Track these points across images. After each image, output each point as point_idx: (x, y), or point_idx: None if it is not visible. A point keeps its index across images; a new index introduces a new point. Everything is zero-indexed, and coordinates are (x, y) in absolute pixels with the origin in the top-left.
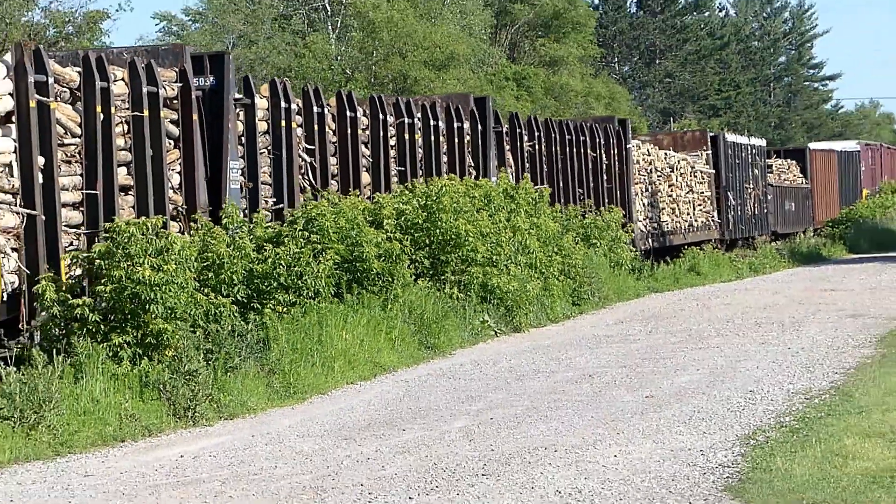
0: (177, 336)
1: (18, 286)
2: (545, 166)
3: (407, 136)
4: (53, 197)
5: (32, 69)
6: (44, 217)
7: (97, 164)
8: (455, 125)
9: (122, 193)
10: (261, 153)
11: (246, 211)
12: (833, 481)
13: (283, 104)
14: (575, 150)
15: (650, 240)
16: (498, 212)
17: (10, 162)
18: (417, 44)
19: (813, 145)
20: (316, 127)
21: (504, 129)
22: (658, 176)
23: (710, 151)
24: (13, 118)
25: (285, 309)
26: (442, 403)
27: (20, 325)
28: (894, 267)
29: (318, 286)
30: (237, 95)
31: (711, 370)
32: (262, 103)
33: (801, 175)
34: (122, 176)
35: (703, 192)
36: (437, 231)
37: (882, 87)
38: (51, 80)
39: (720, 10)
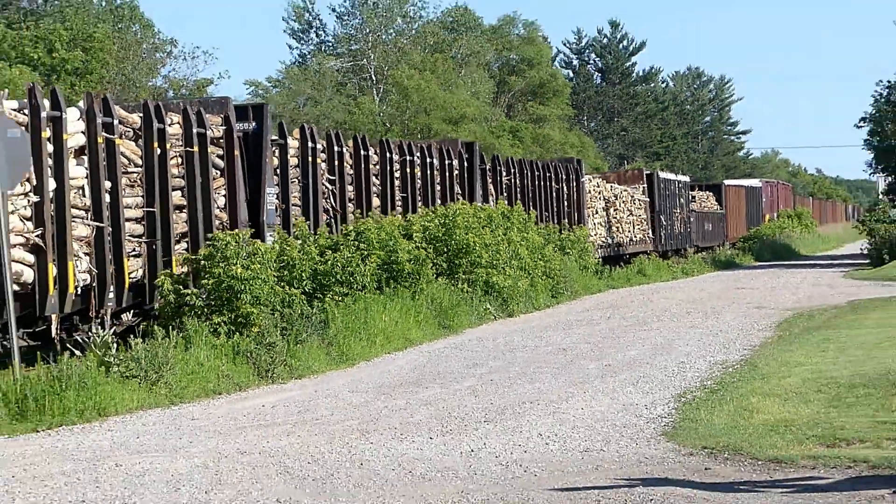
0: (260, 317)
1: (89, 283)
2: (519, 195)
3: (408, 171)
4: (119, 213)
5: (101, 113)
6: (110, 228)
7: (155, 188)
8: (446, 162)
9: (178, 211)
10: (291, 182)
11: (280, 226)
12: (741, 429)
13: (310, 144)
14: (542, 183)
15: (601, 250)
16: (497, 228)
17: (83, 185)
18: (438, 105)
19: (727, 182)
20: (336, 162)
21: (487, 167)
22: (605, 203)
23: (645, 185)
24: (85, 151)
25: (340, 298)
26: (454, 368)
27: (90, 314)
28: (788, 272)
29: (365, 282)
30: (273, 137)
31: (653, 346)
32: (294, 143)
33: (717, 203)
34: (176, 197)
35: (640, 216)
36: (453, 242)
37: (781, 139)
38: (116, 122)
39: (662, 83)
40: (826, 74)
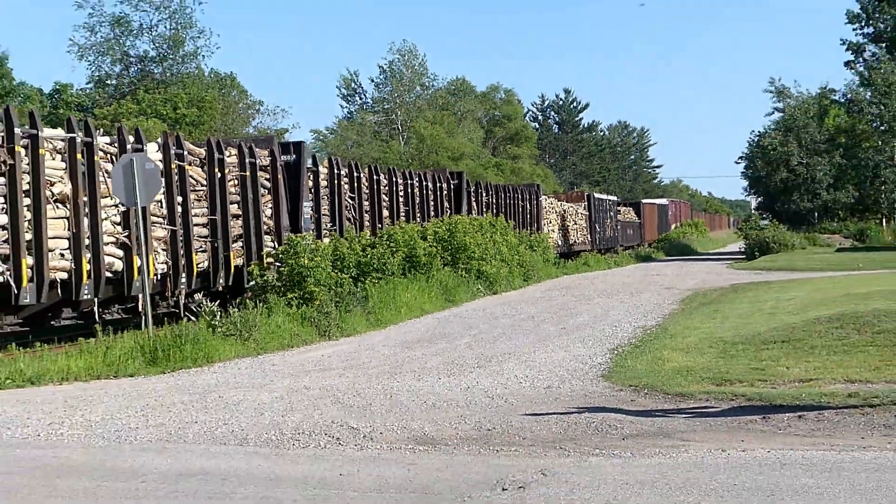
0: (321, 294)
1: (166, 272)
2: (495, 210)
3: (410, 191)
4: (188, 219)
5: (174, 146)
6: (182, 230)
7: (216, 201)
8: (439, 185)
9: (234, 219)
10: (322, 198)
11: (314, 230)
12: (657, 373)
13: (335, 171)
14: (511, 201)
15: (557, 249)
16: (486, 233)
17: (161, 199)
18: (445, 147)
19: (644, 200)
20: (355, 184)
21: (472, 189)
22: (557, 215)
23: (586, 203)
24: (163, 174)
25: (376, 280)
26: (456, 330)
27: (167, 294)
28: (689, 263)
29: (393, 269)
30: (309, 165)
31: (594, 315)
32: (324, 170)
33: (636, 216)
34: (234, 209)
35: (582, 225)
36: (455, 242)
37: (684, 170)
38: (185, 153)
39: (601, 132)
40: (716, 125)
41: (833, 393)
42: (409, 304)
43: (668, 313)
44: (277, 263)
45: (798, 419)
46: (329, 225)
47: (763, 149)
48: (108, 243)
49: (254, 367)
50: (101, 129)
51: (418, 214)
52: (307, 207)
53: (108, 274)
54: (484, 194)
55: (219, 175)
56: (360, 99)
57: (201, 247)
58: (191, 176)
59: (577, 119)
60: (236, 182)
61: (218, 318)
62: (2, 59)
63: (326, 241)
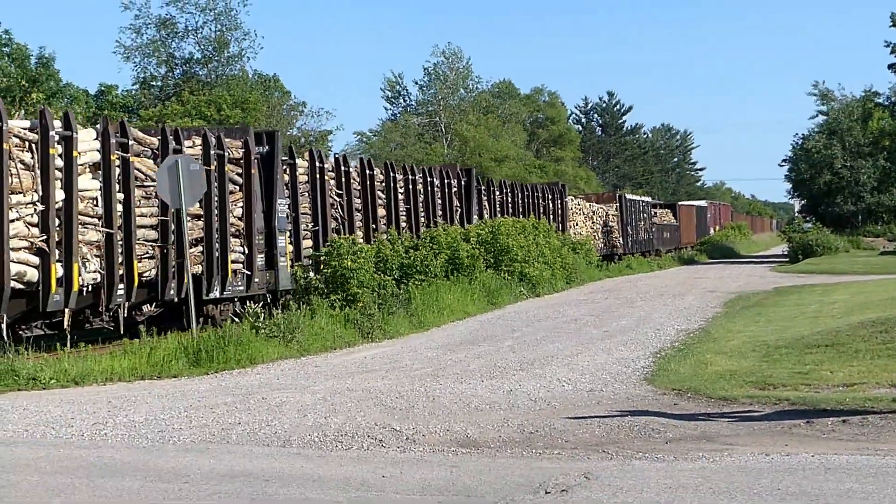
0: (364, 296)
1: (99, 282)
2: (511, 210)
3: (412, 188)
4: (130, 220)
5: (116, 134)
6: (122, 233)
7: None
8: (446, 182)
9: (195, 220)
10: (302, 195)
11: (290, 232)
12: (700, 376)
13: (318, 164)
14: (531, 200)
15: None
16: (529, 235)
17: (97, 197)
18: (488, 149)
19: (682, 203)
20: (343, 180)
21: (483, 187)
22: (585, 217)
23: (617, 204)
24: (100, 168)
25: (419, 283)
26: (498, 332)
27: (100, 308)
28: (732, 266)
29: (436, 271)
30: (283, 157)
31: (637, 318)
32: (303, 164)
33: (673, 218)
34: (195, 208)
35: (613, 227)
36: (498, 244)
37: (728, 173)
38: (132, 143)
39: (644, 134)
40: (760, 128)
41: (877, 398)
42: (452, 306)
43: (711, 316)
44: (247, 272)
45: (842, 424)
46: (311, 226)
47: (807, 151)
48: (18, 248)
49: (296, 369)
50: (23, 113)
51: (422, 215)
52: (282, 205)
53: (18, 285)
54: (497, 193)
55: None
56: (405, 101)
57: (147, 252)
58: (137, 169)
59: (620, 122)
60: None
61: (261, 319)
62: (49, 61)
63: (308, 242)
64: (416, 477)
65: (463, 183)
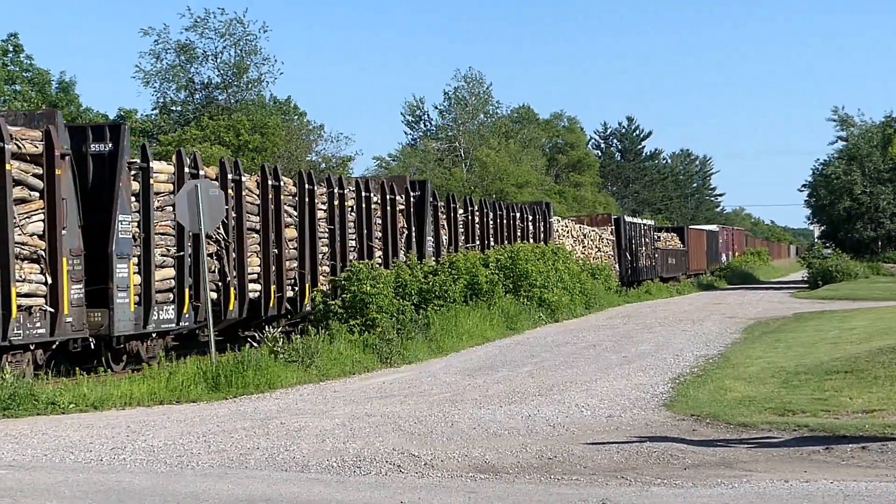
0: (383, 321)
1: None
2: (480, 232)
3: (338, 204)
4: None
5: None
6: None
7: None
8: (389, 198)
9: None
10: (160, 210)
11: (132, 257)
12: (718, 402)
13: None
14: (506, 221)
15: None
16: (548, 260)
17: None
18: (508, 174)
19: (692, 226)
20: (229, 192)
21: (440, 203)
22: (575, 241)
23: (613, 227)
24: None
25: (438, 308)
26: (517, 358)
27: None
28: (751, 292)
29: (455, 296)
30: (129, 159)
31: (657, 343)
32: (167, 168)
33: (680, 243)
34: None
35: (608, 252)
36: (517, 269)
37: (747, 199)
38: None
39: (663, 160)
40: (779, 153)
41: None
42: (471, 331)
43: (731, 342)
44: (50, 310)
45: (861, 450)
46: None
47: (826, 177)
48: None
49: (315, 394)
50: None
51: (351, 238)
52: (124, 223)
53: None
54: (461, 211)
55: None
56: (425, 126)
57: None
58: None
59: (639, 147)
60: None
61: (280, 344)
62: (70, 86)
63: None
64: (434, 503)
65: (413, 199)
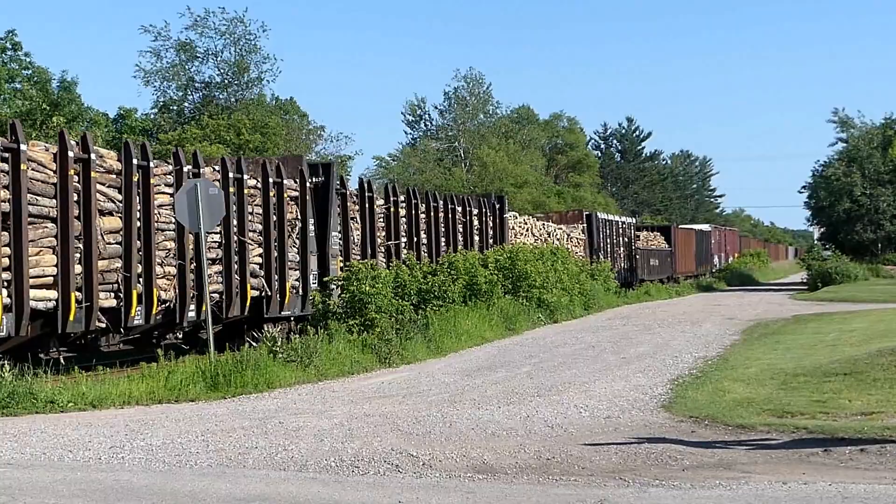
0: (381, 321)
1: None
2: (407, 228)
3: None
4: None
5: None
6: None
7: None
8: (274, 182)
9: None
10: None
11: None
12: (717, 404)
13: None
14: (445, 216)
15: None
16: (547, 261)
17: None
18: (508, 174)
19: (680, 226)
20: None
21: (350, 192)
22: (537, 240)
23: (584, 225)
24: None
25: (437, 308)
26: (516, 358)
27: None
28: (750, 294)
29: (454, 297)
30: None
31: (655, 345)
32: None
33: (665, 243)
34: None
35: (578, 252)
36: (516, 270)
37: (746, 200)
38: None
39: (663, 160)
40: (779, 154)
41: None
42: (470, 331)
43: (729, 344)
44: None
45: (860, 452)
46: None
47: (826, 179)
48: None
49: (314, 394)
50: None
51: (234, 234)
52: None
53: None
54: (380, 201)
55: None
56: (425, 126)
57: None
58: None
59: (639, 148)
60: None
61: (279, 343)
62: (71, 85)
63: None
64: (432, 503)
65: (310, 187)
